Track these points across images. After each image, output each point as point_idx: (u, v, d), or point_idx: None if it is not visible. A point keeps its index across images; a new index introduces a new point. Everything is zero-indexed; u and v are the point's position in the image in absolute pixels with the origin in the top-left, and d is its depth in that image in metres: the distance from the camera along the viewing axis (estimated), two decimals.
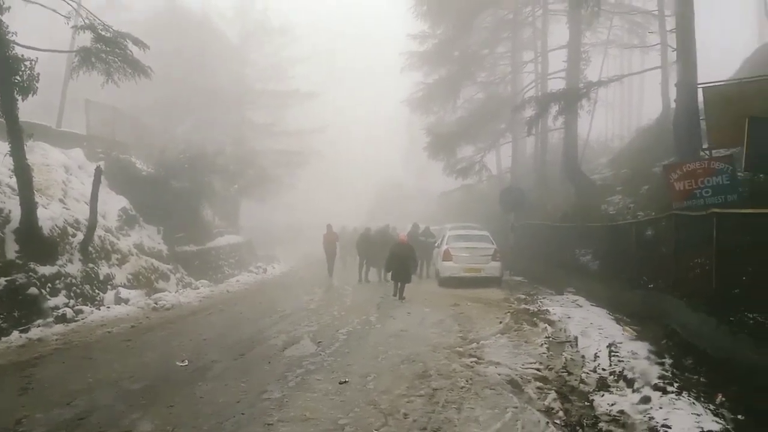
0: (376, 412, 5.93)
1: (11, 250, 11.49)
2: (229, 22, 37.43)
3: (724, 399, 6.10)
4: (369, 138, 58.23)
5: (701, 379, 6.91)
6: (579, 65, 21.38)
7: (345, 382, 6.98)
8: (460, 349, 8.74)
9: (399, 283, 14.98)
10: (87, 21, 13.46)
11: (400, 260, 15.18)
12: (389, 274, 15.92)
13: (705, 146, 12.02)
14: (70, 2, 13.48)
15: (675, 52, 14.95)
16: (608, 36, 29.31)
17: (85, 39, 13.98)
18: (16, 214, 11.97)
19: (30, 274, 11.42)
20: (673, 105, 16.89)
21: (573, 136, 21.90)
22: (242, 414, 5.87)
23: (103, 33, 13.52)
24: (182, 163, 21.01)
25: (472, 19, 27.82)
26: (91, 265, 13.68)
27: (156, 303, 13.59)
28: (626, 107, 39.40)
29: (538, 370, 7.60)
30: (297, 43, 38.60)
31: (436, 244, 19.46)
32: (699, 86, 12.67)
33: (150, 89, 17.51)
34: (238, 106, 34.94)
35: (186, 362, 8.04)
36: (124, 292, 13.68)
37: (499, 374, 7.32)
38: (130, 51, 13.89)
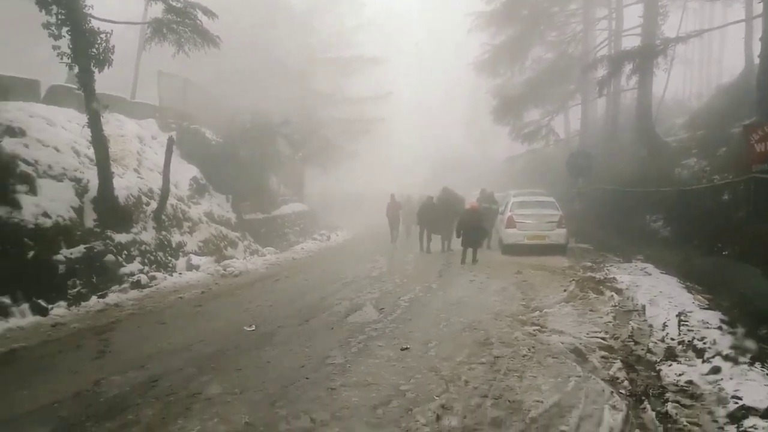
0: (437, 378, 5.96)
1: (89, 219, 12.07)
2: None
3: None
4: (432, 104, 57.47)
5: None
6: (656, 21, 20.31)
7: (406, 348, 7.03)
8: (523, 317, 8.64)
9: (470, 249, 15.37)
10: None
11: (470, 226, 15.53)
12: (450, 243, 16.44)
13: None
14: None
15: (761, 3, 13.98)
16: None
17: (157, 11, 14.30)
18: (93, 183, 12.52)
19: (107, 241, 11.98)
20: (756, 61, 15.88)
21: (647, 96, 20.97)
22: (306, 378, 6.01)
23: (173, 3, 13.75)
24: (249, 132, 21.39)
25: None
26: (164, 232, 14.23)
27: (225, 269, 14.03)
28: (705, 64, 37.27)
29: (603, 339, 7.43)
30: (361, 10, 38.33)
31: (499, 211, 19.11)
32: None
33: (218, 59, 17.79)
34: (303, 75, 35.07)
35: (253, 327, 8.30)
36: (195, 259, 14.19)
37: (562, 343, 7.20)
38: (200, 21, 14.04)
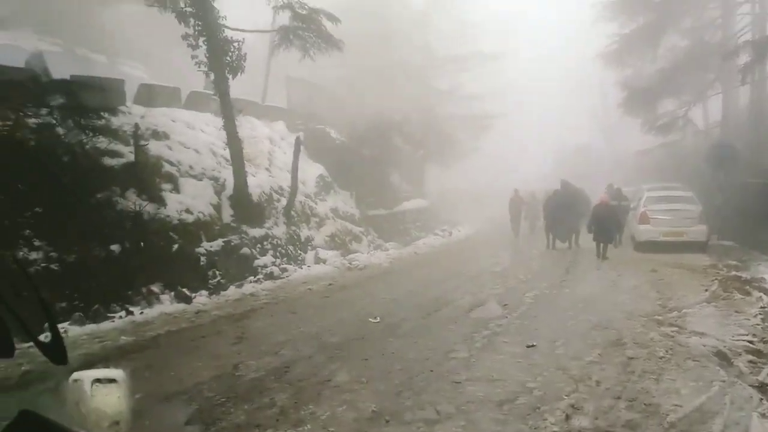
0: (566, 377, 5.79)
1: (227, 215, 12.91)
2: None
3: None
4: (555, 97, 55.64)
5: None
6: None
7: (532, 345, 6.89)
8: (659, 318, 8.17)
9: (601, 245, 15.11)
10: (285, 1, 14.36)
11: (601, 221, 15.30)
12: (578, 238, 15.99)
13: None
14: None
15: None
16: None
17: (284, 19, 14.99)
18: (229, 182, 13.38)
19: (242, 235, 12.75)
20: None
21: None
22: (431, 371, 6.06)
23: (299, 11, 14.33)
24: (371, 131, 21.83)
25: None
26: (293, 227, 14.90)
27: (350, 263, 14.46)
28: None
29: (750, 342, 6.86)
30: (479, 5, 37.88)
31: (631, 207, 18.13)
32: None
33: (340, 62, 18.33)
34: (422, 73, 35.23)
35: (378, 319, 8.48)
36: (322, 253, 14.73)
37: (703, 345, 6.74)
38: (324, 26, 14.53)
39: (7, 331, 1.27)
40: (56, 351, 1.35)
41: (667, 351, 6.56)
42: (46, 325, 1.38)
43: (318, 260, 14.35)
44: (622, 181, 25.14)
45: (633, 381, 5.63)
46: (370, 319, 8.49)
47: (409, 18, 35.18)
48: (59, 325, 7.87)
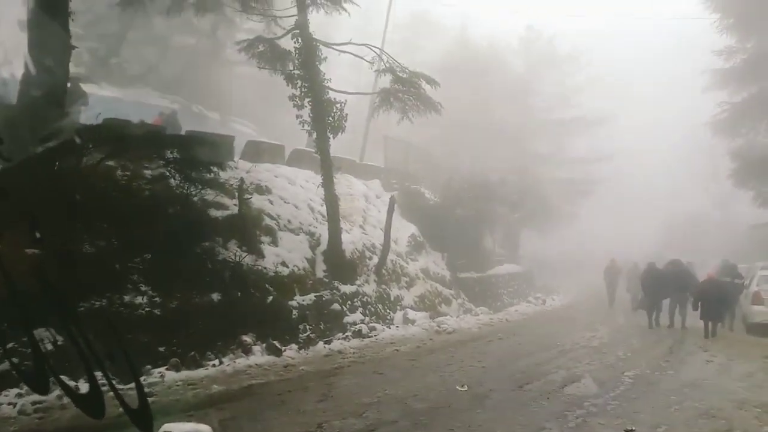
0: None
1: (320, 270, 13.16)
2: (515, 52, 37.99)
3: None
4: (661, 165, 53.59)
5: None
6: None
7: (631, 430, 6.40)
8: None
9: (709, 323, 14.39)
10: (387, 65, 14.86)
11: (709, 298, 14.62)
12: (685, 320, 15.64)
13: None
14: (374, 49, 15.06)
15: None
16: None
17: (385, 81, 15.49)
18: (324, 237, 13.69)
19: (334, 291, 12.92)
20: None
21: None
22: None
23: (400, 74, 14.75)
24: (466, 192, 21.82)
25: None
26: (383, 286, 14.95)
27: (439, 326, 14.25)
28: None
29: None
30: (584, 70, 37.59)
31: (744, 284, 16.81)
32: None
33: (438, 122, 18.61)
34: (521, 135, 35.10)
35: (465, 387, 8.22)
36: (411, 314, 14.62)
37: None
38: (423, 89, 14.82)
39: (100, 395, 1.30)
40: (94, 404, 1.36)
41: None
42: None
43: (406, 321, 14.25)
44: (735, 257, 23.60)
45: None
46: (458, 387, 8.24)
47: (509, 80, 35.41)
48: (157, 370, 8.21)
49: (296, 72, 13.30)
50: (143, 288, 9.21)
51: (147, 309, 9.03)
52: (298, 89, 13.23)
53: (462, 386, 8.28)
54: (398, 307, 14.90)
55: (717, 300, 14.71)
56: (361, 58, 15.10)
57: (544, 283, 29.01)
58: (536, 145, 36.55)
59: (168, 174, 10.69)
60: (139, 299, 9.04)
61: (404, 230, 18.38)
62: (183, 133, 13.53)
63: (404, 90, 14.80)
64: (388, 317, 14.28)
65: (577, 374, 9.42)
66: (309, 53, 13.16)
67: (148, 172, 10.77)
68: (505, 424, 6.58)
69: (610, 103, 40.21)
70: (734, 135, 28.79)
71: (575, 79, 37.45)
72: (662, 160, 53.37)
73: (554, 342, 12.83)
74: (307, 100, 13.19)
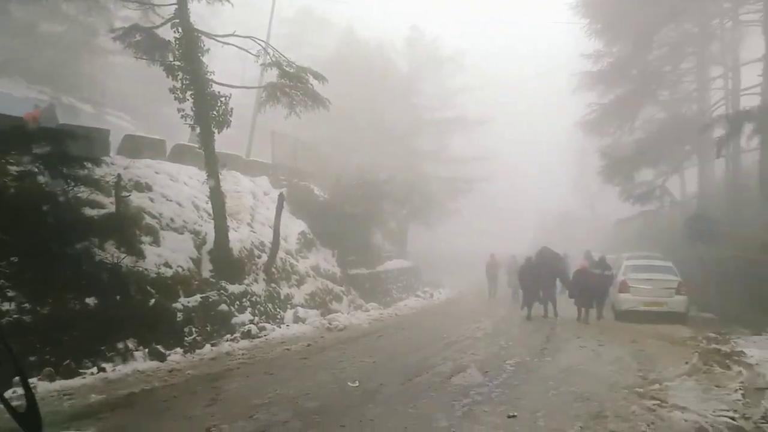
0: None
1: (206, 270, 12.71)
2: (401, 53, 38.75)
3: None
4: (536, 164, 56.78)
5: None
6: None
7: (513, 416, 6.71)
8: (640, 390, 8.04)
9: (582, 310, 15.88)
10: (273, 59, 14.62)
11: (581, 287, 16.17)
12: (555, 309, 16.75)
13: None
14: (259, 42, 14.76)
15: None
16: None
17: (272, 76, 15.22)
18: (210, 236, 13.24)
19: (221, 291, 12.52)
20: None
21: None
22: None
23: (287, 69, 14.55)
24: (355, 189, 21.94)
25: (652, 34, 26.10)
26: (273, 285, 14.70)
27: (330, 323, 14.21)
28: None
29: (732, 418, 6.75)
30: (465, 71, 38.97)
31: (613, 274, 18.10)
32: None
33: (327, 119, 18.57)
34: (407, 133, 35.86)
35: (357, 383, 8.25)
36: (302, 312, 14.49)
37: (685, 420, 6.62)
38: (311, 84, 14.69)
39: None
40: (31, 421, 1.25)
41: (648, 425, 6.43)
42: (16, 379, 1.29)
43: (297, 319, 14.10)
44: (602, 249, 25.39)
45: None
46: (349, 383, 8.25)
47: (394, 79, 36.08)
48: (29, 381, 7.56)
49: (177, 63, 12.71)
50: (10, 294, 8.47)
51: (15, 316, 8.30)
52: (179, 81, 12.64)
53: (353, 382, 8.31)
54: (288, 306, 14.72)
55: (588, 289, 16.07)
56: (246, 51, 14.74)
57: (432, 277, 29.81)
58: (421, 143, 37.52)
59: (36, 170, 9.90)
60: (6, 306, 8.30)
61: (294, 227, 18.19)
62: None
63: (291, 85, 14.60)
64: (279, 316, 14.06)
65: (463, 365, 9.74)
66: (190, 44, 12.63)
67: (13, 168, 9.90)
68: (395, 418, 6.67)
69: (488, 104, 42.01)
70: (602, 134, 31.01)
71: (456, 80, 38.74)
72: (538, 160, 56.57)
73: (441, 335, 13.19)
74: (189, 93, 12.65)
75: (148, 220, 12.12)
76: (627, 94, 28.51)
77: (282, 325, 13.47)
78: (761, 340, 12.24)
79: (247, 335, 11.91)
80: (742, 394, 7.86)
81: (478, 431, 6.21)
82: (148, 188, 13.09)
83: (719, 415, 6.85)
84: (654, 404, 7.32)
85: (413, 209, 28.99)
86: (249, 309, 13.14)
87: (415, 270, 27.74)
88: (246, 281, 13.67)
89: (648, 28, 25.41)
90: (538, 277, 17.09)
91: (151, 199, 12.86)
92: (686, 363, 9.94)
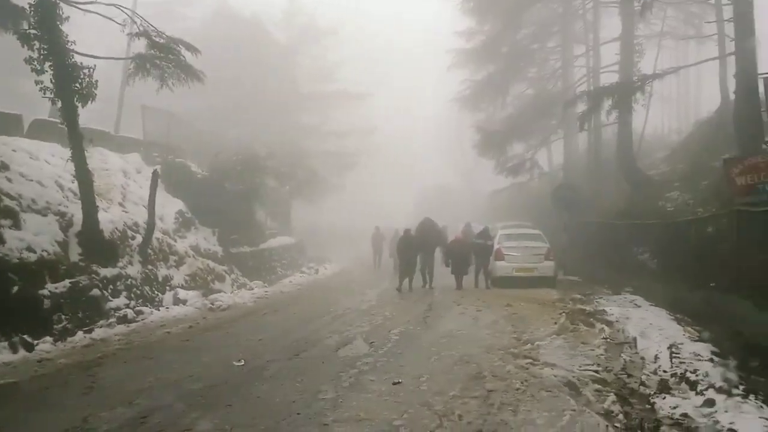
0: (431, 413, 5.89)
1: (74, 253, 11.92)
2: (278, 25, 37.94)
3: None
4: (417, 138, 58.09)
5: None
6: (632, 58, 20.85)
7: (398, 383, 6.96)
8: (515, 351, 8.61)
9: (459, 277, 16.95)
10: (141, 28, 13.82)
11: (455, 256, 17.28)
12: (432, 280, 17.29)
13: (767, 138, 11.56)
14: (125, 10, 13.87)
15: (733, 42, 14.43)
16: (662, 27, 28.49)
17: (141, 46, 14.40)
18: (78, 217, 12.40)
19: (92, 276, 11.82)
20: (732, 97, 16.29)
21: (627, 131, 21.36)
22: (298, 414, 5.92)
23: (156, 39, 13.83)
24: (235, 165, 21.40)
25: (521, 13, 27.39)
26: (150, 266, 14.09)
27: (212, 303, 13.90)
28: (683, 100, 38.11)
29: (596, 372, 7.42)
30: (345, 45, 38.91)
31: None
32: (760, 77, 12.24)
33: (203, 93, 17.89)
34: (288, 108, 35.37)
35: (242, 362, 8.18)
36: (182, 293, 14.03)
37: (555, 376, 7.18)
38: (183, 56, 14.12)
39: None
40: None
41: (522, 383, 6.91)
42: None
43: (177, 301, 13.64)
44: (479, 219, 26.59)
45: (493, 413, 5.85)
46: (234, 363, 8.16)
47: (273, 52, 35.36)
48: None
49: (32, 32, 11.65)
50: None
51: None
52: (36, 51, 11.60)
53: (239, 361, 8.22)
54: (168, 288, 14.19)
55: (463, 257, 17.17)
56: (111, 19, 13.77)
57: (317, 253, 29.83)
58: (302, 117, 37.20)
59: None
60: None
61: (170, 206, 17.47)
62: None
63: (162, 56, 13.91)
64: (157, 299, 13.53)
65: (349, 337, 9.93)
66: (47, 11, 11.57)
67: None
68: (283, 392, 6.70)
69: (370, 77, 42.31)
70: (477, 110, 32.29)
71: (336, 53, 38.62)
72: (418, 134, 57.89)
73: (328, 309, 13.30)
74: (48, 64, 11.63)
75: (6, 201, 11.13)
76: (498, 72, 29.81)
77: (161, 308, 12.98)
78: (620, 299, 13.48)
79: (124, 320, 11.37)
80: (605, 349, 8.66)
81: (365, 399, 6.37)
82: (5, 167, 12.01)
83: (585, 370, 7.50)
84: (527, 363, 7.87)
85: (297, 185, 28.72)
86: (124, 293, 12.54)
87: (299, 246, 27.63)
88: (120, 264, 13.00)
89: (516, 7, 26.63)
90: (417, 248, 17.34)
91: (9, 179, 11.81)
92: (555, 323, 10.74)
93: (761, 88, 11.90)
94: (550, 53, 30.42)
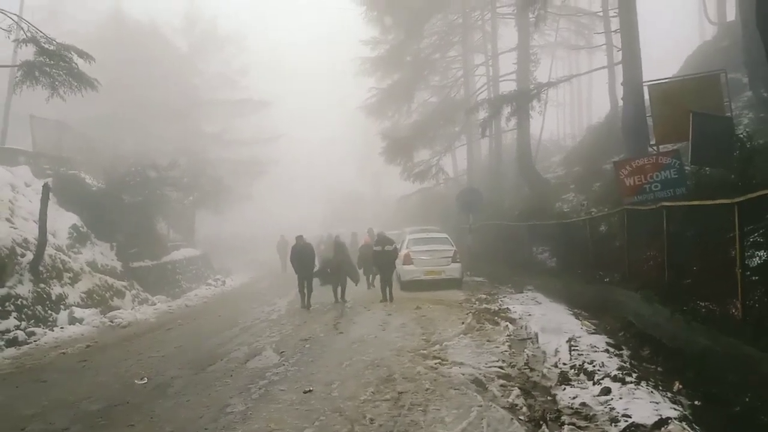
0: (342, 419, 5.89)
1: None
2: (178, 31, 36.84)
3: (681, 386, 6.28)
4: (325, 145, 57.99)
5: (658, 368, 7.14)
6: (529, 67, 21.85)
7: (309, 391, 6.91)
8: (424, 352, 8.76)
9: (369, 277, 17.53)
10: (29, 34, 13.05)
11: (366, 260, 17.26)
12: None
13: (652, 142, 12.41)
14: (10, 15, 13.05)
15: (620, 51, 15.41)
16: (556, 38, 30.15)
17: (29, 53, 13.58)
18: None
19: None
20: (620, 103, 17.39)
21: (526, 136, 22.35)
22: (205, 429, 5.77)
23: (46, 46, 13.13)
24: (134, 176, 20.55)
25: (423, 23, 28.09)
26: (42, 285, 13.24)
27: (112, 321, 13.28)
28: (576, 107, 40.44)
29: (501, 368, 7.67)
30: (248, 52, 38.33)
31: (396, 249, 19.12)
32: (645, 84, 13.11)
33: (98, 103, 17.10)
34: (190, 116, 34.39)
35: (145, 380, 7.85)
36: (78, 312, 13.29)
37: (463, 374, 7.36)
38: (76, 64, 13.51)
39: None
40: None
41: (431, 383, 7.04)
42: None
43: (73, 320, 12.89)
44: (388, 225, 26.90)
45: (403, 415, 5.92)
46: (136, 381, 7.82)
47: (173, 59, 34.30)
48: None
49: None
50: None
51: None
52: None
53: (141, 379, 7.89)
54: (62, 307, 13.37)
55: (370, 261, 17.08)
56: None
57: (224, 264, 29.12)
58: (206, 126, 36.31)
59: None
60: None
61: (64, 221, 16.51)
62: None
63: (52, 64, 13.19)
64: (51, 319, 12.72)
65: (258, 348, 9.75)
66: None
67: None
68: (189, 408, 6.50)
69: (275, 86, 41.87)
70: (383, 117, 32.75)
71: (240, 60, 38.03)
72: (324, 141, 57.85)
73: (235, 321, 13.01)
74: None
75: None
76: (403, 80, 30.45)
77: (55, 328, 12.24)
78: (522, 297, 14.01)
79: (14, 342, 10.65)
80: (509, 346, 8.97)
81: (275, 410, 6.28)
82: None
83: (491, 366, 7.74)
84: (436, 363, 8.02)
85: (201, 195, 27.90)
86: (14, 314, 11.72)
87: (205, 258, 26.85)
88: (8, 283, 12.15)
89: (418, 17, 27.27)
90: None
91: None
92: (462, 323, 11.00)
93: (646, 95, 12.72)
94: (452, 62, 31.40)
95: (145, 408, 6.58)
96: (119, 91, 25.80)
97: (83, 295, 14.49)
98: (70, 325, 12.68)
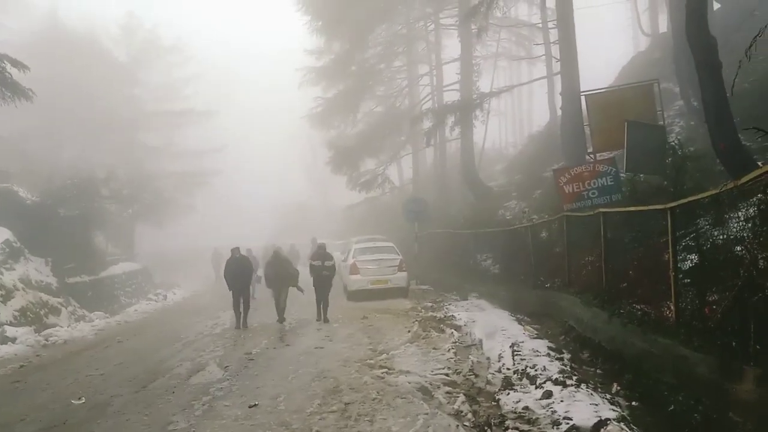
0: None
1: None
2: (117, 41, 35.97)
3: (619, 388, 6.49)
4: (270, 156, 57.50)
5: (598, 371, 7.37)
6: (471, 77, 22.28)
7: (255, 405, 6.81)
8: (371, 361, 8.77)
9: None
10: None
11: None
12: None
13: (590, 150, 12.81)
14: None
15: (559, 62, 15.89)
16: (497, 49, 30.83)
17: None
18: None
19: None
20: (559, 112, 17.92)
21: (469, 145, 22.75)
22: None
23: None
24: (70, 189, 19.86)
25: (367, 33, 28.25)
26: None
27: (47, 339, 12.77)
28: (518, 116, 41.38)
29: (446, 375, 7.76)
30: (191, 62, 37.77)
31: (342, 259, 19.07)
32: (582, 94, 13.55)
33: (33, 113, 16.49)
34: (130, 128, 33.55)
35: (83, 399, 7.57)
36: (11, 331, 12.71)
37: (409, 383, 7.40)
38: (9, 73, 13.11)
39: None
40: None
41: (378, 392, 7.05)
42: None
43: (5, 340, 12.31)
44: (335, 234, 26.79)
45: (350, 426, 5.91)
46: (73, 401, 7.52)
47: (111, 69, 33.45)
48: None
49: None
50: None
51: None
52: None
53: (79, 399, 7.60)
54: None
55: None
56: None
57: (166, 278, 28.40)
58: (146, 137, 35.55)
59: None
60: None
61: None
62: None
63: None
64: None
65: (202, 363, 9.54)
66: None
67: None
68: (129, 427, 6.32)
69: (221, 96, 41.31)
70: (329, 127, 32.76)
71: (182, 70, 37.43)
72: (271, 152, 57.37)
73: (178, 336, 12.66)
74: None
75: None
76: (348, 90, 30.54)
77: None
78: (467, 304, 14.19)
79: None
80: (454, 353, 9.09)
81: (219, 426, 6.18)
82: None
83: (436, 374, 7.83)
84: (383, 372, 8.05)
85: (141, 208, 27.20)
86: None
87: (145, 272, 26.11)
88: None
89: (363, 27, 27.43)
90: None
91: None
92: (408, 332, 11.07)
93: (584, 105, 13.14)
94: (397, 72, 31.68)
95: (84, 429, 6.37)
96: (56, 102, 24.95)
97: (16, 313, 13.86)
98: (2, 344, 12.10)
